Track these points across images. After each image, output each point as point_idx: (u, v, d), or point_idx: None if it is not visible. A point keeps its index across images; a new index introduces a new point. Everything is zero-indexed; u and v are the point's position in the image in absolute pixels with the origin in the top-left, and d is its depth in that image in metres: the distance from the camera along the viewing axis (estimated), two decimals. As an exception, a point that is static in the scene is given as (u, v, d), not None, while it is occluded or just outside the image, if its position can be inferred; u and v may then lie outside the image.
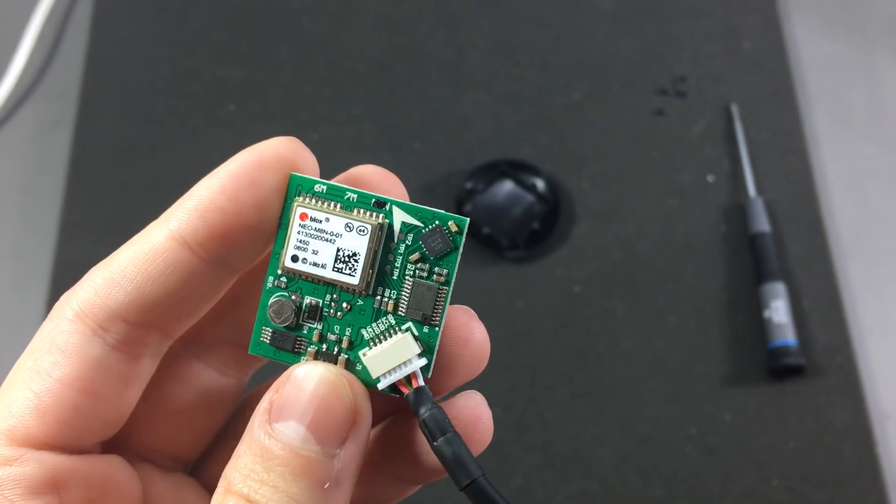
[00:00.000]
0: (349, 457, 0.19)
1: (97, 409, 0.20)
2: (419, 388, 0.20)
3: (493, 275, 0.55)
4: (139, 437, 0.22)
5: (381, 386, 0.20)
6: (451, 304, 0.21)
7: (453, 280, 0.21)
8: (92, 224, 0.56)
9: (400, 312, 0.21)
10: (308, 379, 0.19)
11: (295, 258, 0.20)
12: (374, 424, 0.22)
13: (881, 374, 0.53)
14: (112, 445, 0.21)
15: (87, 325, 0.20)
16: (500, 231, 0.55)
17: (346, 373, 0.20)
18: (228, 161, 0.20)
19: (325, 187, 0.20)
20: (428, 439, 0.20)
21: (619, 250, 0.56)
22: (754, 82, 0.61)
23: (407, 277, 0.21)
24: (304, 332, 0.21)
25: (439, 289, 0.21)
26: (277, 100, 0.61)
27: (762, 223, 0.55)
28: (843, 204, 0.59)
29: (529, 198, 0.57)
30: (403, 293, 0.21)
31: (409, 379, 0.20)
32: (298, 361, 0.20)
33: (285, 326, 0.20)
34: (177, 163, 0.59)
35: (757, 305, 0.54)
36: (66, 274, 0.54)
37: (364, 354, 0.20)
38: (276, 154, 0.20)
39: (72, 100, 0.61)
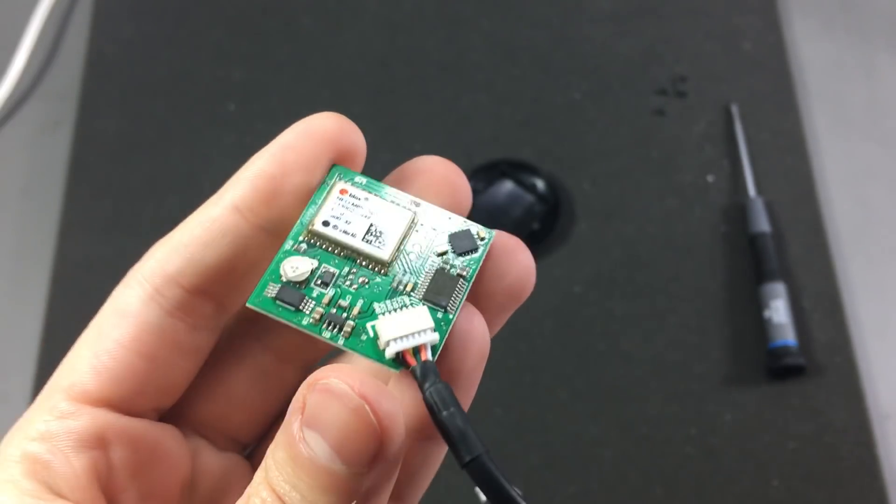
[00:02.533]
0: (378, 475, 0.18)
1: (152, 373, 0.21)
2: (427, 362, 0.20)
3: (493, 275, 0.55)
4: (194, 410, 0.22)
5: (389, 351, 0.19)
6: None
7: (472, 279, 0.21)
8: (92, 224, 0.56)
9: (416, 296, 0.20)
10: (333, 397, 0.18)
11: (326, 223, 0.20)
12: None
13: (881, 374, 0.53)
14: (169, 416, 0.22)
15: (145, 291, 0.21)
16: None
17: (375, 388, 0.18)
18: (281, 134, 0.21)
19: (364, 180, 0.21)
20: (432, 413, 0.19)
21: (619, 250, 0.56)
22: (754, 82, 0.61)
23: (430, 265, 0.21)
24: (314, 295, 0.20)
25: (460, 281, 0.21)
26: (277, 100, 0.61)
27: (762, 223, 0.55)
28: (843, 204, 0.59)
29: (529, 198, 0.57)
30: (424, 278, 0.21)
31: (415, 353, 0.20)
32: (300, 320, 0.20)
33: (296, 283, 0.20)
34: (177, 163, 0.59)
35: (757, 305, 0.54)
36: (66, 274, 0.55)
37: (376, 322, 0.20)
38: (322, 125, 0.21)
39: (72, 100, 0.61)
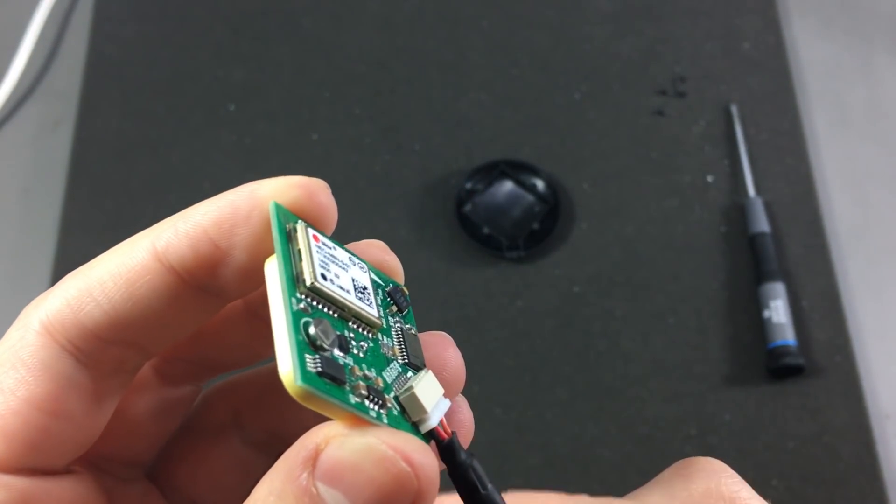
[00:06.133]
0: None
1: (68, 431, 0.18)
2: (454, 434, 0.18)
3: (493, 275, 0.55)
4: (100, 447, 0.20)
5: (424, 427, 0.18)
6: (424, 330, 0.20)
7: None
8: (92, 224, 0.56)
9: (401, 360, 0.19)
10: (369, 460, 0.16)
11: (324, 276, 0.17)
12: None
13: (880, 374, 0.53)
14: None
15: (56, 341, 0.17)
16: (500, 231, 0.56)
17: (421, 451, 0.16)
18: (235, 189, 0.17)
19: (304, 225, 0.18)
20: (473, 489, 0.18)
21: (619, 250, 0.56)
22: (754, 83, 0.62)
23: (394, 327, 0.19)
24: (342, 363, 0.17)
25: (417, 337, 0.20)
26: (278, 100, 0.61)
27: (761, 223, 0.55)
28: (842, 204, 0.59)
29: (529, 198, 0.57)
30: (396, 341, 0.19)
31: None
32: (350, 401, 0.16)
33: (332, 351, 0.17)
34: (177, 163, 0.59)
35: (756, 305, 0.54)
36: (66, 273, 0.54)
37: (412, 390, 0.18)
38: (289, 194, 0.17)
39: (72, 100, 0.61)
